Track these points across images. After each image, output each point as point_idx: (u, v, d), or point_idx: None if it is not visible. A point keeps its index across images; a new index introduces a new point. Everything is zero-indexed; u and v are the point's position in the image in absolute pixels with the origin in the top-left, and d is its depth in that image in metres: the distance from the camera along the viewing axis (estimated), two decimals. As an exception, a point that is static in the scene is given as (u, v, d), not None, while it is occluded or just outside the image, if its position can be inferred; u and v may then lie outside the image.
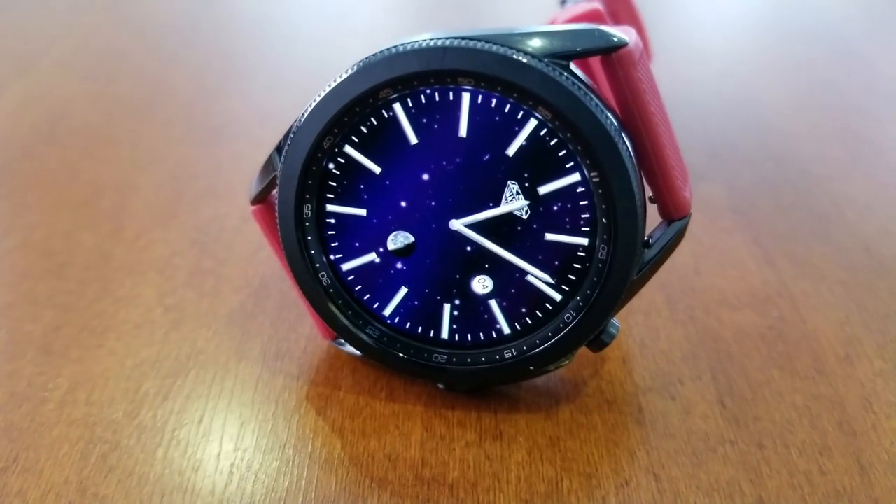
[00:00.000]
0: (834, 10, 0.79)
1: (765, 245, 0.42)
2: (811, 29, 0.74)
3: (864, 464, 0.30)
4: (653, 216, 0.30)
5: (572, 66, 0.27)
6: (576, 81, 0.26)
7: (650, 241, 0.30)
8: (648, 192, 0.30)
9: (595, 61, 0.29)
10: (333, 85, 0.28)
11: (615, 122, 0.27)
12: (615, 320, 0.31)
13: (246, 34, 0.70)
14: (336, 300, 0.31)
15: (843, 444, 0.31)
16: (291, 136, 0.29)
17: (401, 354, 0.31)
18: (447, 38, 0.26)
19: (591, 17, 0.35)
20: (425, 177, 0.29)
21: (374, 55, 0.27)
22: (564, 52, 0.26)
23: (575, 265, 0.29)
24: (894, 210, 0.45)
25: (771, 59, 0.67)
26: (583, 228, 0.28)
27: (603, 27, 0.27)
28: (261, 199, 0.32)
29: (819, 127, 0.54)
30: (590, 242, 0.29)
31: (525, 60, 0.26)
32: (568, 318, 0.30)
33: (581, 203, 0.28)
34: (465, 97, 0.27)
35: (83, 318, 0.36)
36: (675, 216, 0.30)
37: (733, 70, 0.64)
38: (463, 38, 0.26)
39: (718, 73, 0.63)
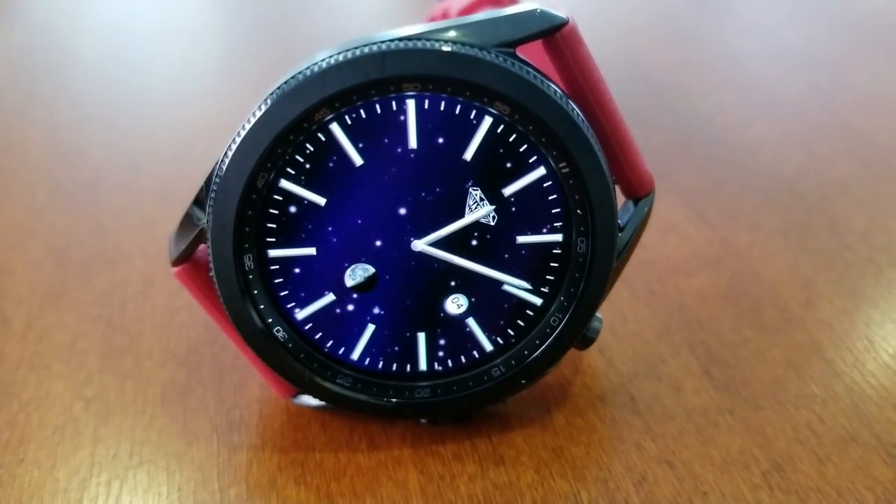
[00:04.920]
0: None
1: (696, 205, 0.42)
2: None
3: (856, 402, 0.30)
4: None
5: (517, 54, 0.25)
6: (529, 69, 0.24)
7: (621, 224, 0.28)
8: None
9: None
10: (259, 114, 0.24)
11: (575, 107, 0.25)
12: (597, 313, 0.29)
13: (93, 78, 0.63)
14: (297, 355, 0.28)
15: (833, 387, 0.31)
16: (217, 180, 0.25)
17: (380, 399, 0.28)
18: (383, 42, 0.23)
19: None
20: (378, 199, 0.26)
21: (300, 73, 0.24)
22: (510, 40, 0.24)
23: (552, 264, 0.27)
24: (803, 149, 0.46)
25: (643, 19, 0.68)
26: (555, 224, 0.27)
27: (542, 7, 0.25)
28: (184, 258, 0.28)
29: (707, 79, 0.55)
30: (564, 238, 0.27)
31: (474, 54, 0.23)
32: (554, 321, 0.28)
33: (550, 198, 0.26)
34: (411, 104, 0.24)
35: (-11, 436, 0.31)
36: (642, 193, 0.29)
37: (608, 35, 0.64)
38: (399, 40, 0.23)
39: (594, 40, 0.63)
